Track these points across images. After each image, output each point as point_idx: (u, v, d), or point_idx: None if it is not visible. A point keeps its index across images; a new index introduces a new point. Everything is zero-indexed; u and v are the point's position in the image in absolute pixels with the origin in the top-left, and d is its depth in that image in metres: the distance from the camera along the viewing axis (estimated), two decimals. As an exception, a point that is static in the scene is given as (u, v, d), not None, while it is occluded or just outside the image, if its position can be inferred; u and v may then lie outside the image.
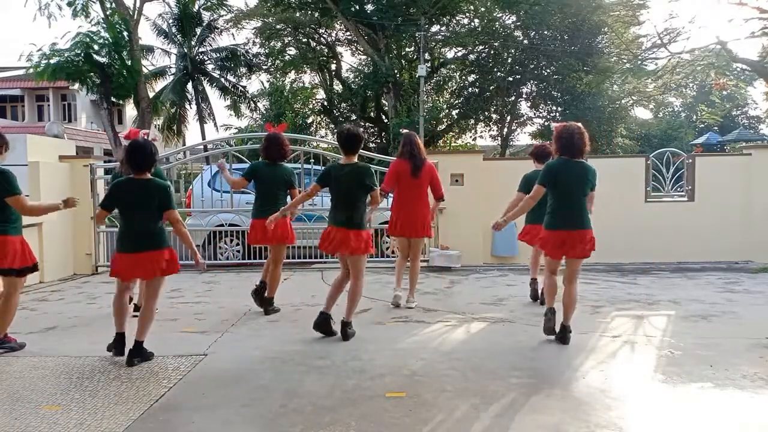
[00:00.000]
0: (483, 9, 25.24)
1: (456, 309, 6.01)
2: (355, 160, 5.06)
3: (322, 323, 4.96)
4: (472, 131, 29.71)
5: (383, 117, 27.89)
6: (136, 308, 5.45)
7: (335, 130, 27.31)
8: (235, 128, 31.78)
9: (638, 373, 4.11)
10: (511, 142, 29.63)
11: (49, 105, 32.47)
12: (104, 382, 3.98)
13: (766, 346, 4.57)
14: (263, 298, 5.96)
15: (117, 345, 4.49)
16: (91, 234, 8.64)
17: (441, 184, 6.37)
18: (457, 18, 26.82)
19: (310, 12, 26.96)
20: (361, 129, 5.38)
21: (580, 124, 4.79)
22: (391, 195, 6.28)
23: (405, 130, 6.54)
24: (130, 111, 30.27)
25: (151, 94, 24.97)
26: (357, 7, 24.85)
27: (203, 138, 28.20)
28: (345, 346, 4.72)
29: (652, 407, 3.52)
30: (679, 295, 6.55)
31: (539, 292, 6.12)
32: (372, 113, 28.58)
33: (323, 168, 5.55)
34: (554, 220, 4.74)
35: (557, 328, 4.80)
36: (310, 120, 29.36)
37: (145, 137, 4.75)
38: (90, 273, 8.59)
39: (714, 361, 4.24)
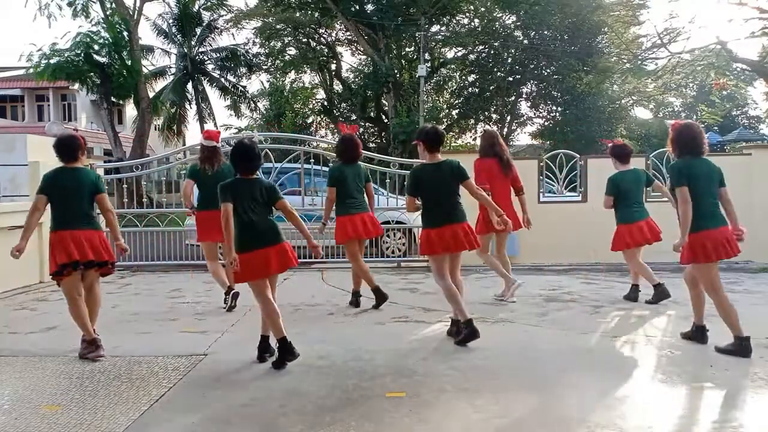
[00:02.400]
0: (483, 9, 25.28)
1: (456, 309, 6.00)
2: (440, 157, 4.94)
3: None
4: (472, 131, 29.75)
5: (383, 117, 27.90)
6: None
7: (334, 131, 27.37)
8: (235, 128, 31.82)
9: (638, 373, 4.11)
10: (511, 142, 29.63)
11: (49, 105, 32.47)
12: (104, 382, 3.98)
13: (766, 346, 4.57)
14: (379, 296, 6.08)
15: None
16: (91, 234, 8.61)
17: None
18: (457, 18, 26.85)
19: (310, 12, 26.98)
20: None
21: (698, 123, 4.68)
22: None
23: (488, 128, 6.61)
24: (130, 111, 30.29)
25: (151, 94, 24.98)
26: (357, 7, 24.87)
27: (203, 138, 28.13)
28: (345, 346, 4.72)
29: (652, 407, 3.52)
30: (679, 295, 6.53)
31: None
32: (372, 113, 28.59)
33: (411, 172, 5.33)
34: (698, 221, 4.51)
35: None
36: (310, 120, 29.39)
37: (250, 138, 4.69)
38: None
39: (714, 361, 4.24)
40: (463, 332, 4.73)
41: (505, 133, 28.33)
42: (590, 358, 4.41)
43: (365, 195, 6.17)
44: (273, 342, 4.34)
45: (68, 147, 4.77)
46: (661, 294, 6.15)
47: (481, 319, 5.61)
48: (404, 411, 3.47)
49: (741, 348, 4.34)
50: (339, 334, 5.04)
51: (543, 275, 8.06)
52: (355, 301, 6.19)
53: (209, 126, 31.01)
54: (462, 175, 4.85)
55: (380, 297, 6.06)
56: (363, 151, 6.66)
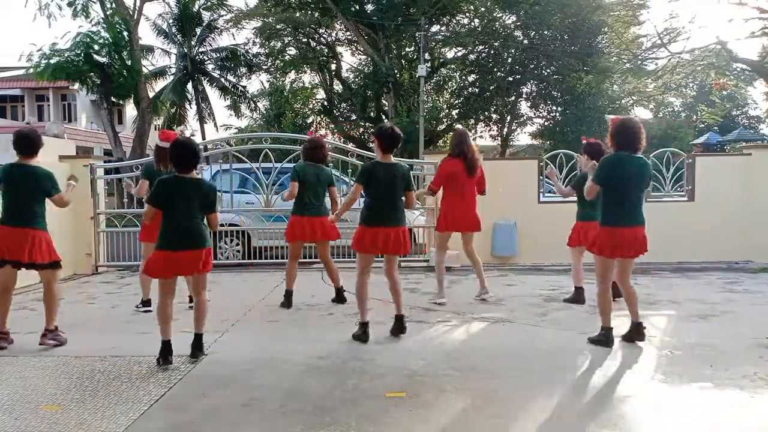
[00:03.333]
0: (483, 9, 25.27)
1: (456, 309, 6.00)
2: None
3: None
4: (472, 131, 29.70)
5: (383, 117, 27.89)
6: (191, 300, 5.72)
7: (334, 131, 27.35)
8: (235, 128, 31.84)
9: (638, 373, 4.11)
10: (511, 142, 29.66)
11: (49, 105, 32.45)
12: (104, 382, 3.98)
13: (766, 346, 4.57)
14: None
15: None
16: (92, 234, 8.63)
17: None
18: (457, 18, 26.85)
19: (310, 12, 26.99)
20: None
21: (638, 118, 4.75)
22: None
23: (459, 127, 6.60)
24: (130, 111, 30.29)
25: (151, 94, 24.97)
26: (357, 7, 24.87)
27: (203, 138, 28.18)
28: (345, 346, 4.72)
29: (652, 407, 3.52)
30: (679, 295, 6.54)
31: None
32: (372, 113, 28.59)
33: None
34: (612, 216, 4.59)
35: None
36: (310, 120, 29.39)
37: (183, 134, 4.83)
38: (90, 273, 8.58)
39: (714, 361, 4.24)
40: (357, 332, 4.86)
41: (505, 133, 28.36)
42: (590, 359, 4.40)
43: (328, 199, 6.14)
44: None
45: (30, 142, 4.83)
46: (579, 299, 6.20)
47: (481, 318, 5.62)
48: (404, 411, 3.47)
49: (607, 339, 4.63)
50: (339, 334, 5.04)
51: (543, 275, 8.06)
52: (287, 302, 6.11)
53: (209, 126, 31.07)
54: (409, 184, 4.95)
55: (287, 302, 6.08)
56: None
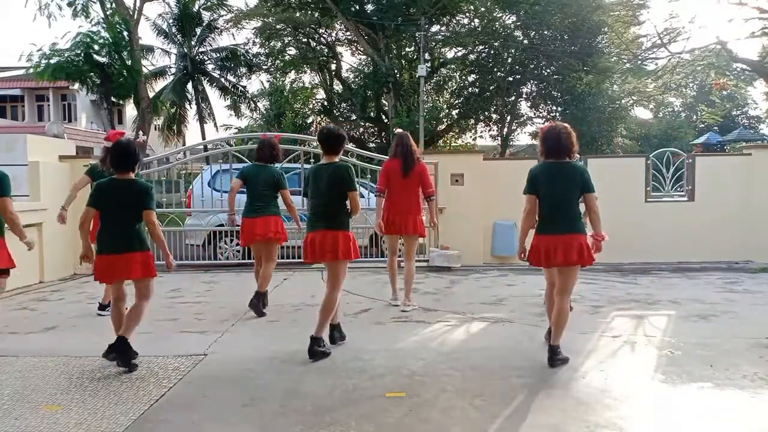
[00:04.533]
0: (483, 9, 25.24)
1: (456, 309, 6.01)
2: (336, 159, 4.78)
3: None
4: (472, 131, 29.72)
5: (383, 117, 27.88)
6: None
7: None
8: (235, 128, 31.80)
9: (638, 373, 4.11)
10: (511, 142, 29.62)
11: (49, 105, 32.45)
12: (104, 382, 3.98)
13: (766, 346, 4.57)
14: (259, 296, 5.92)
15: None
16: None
17: (431, 182, 6.36)
18: (457, 18, 26.82)
19: (310, 12, 26.96)
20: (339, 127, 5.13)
21: (566, 124, 4.48)
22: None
23: (399, 130, 6.55)
24: (130, 111, 30.30)
25: (151, 94, 24.98)
26: (357, 7, 24.86)
27: (203, 138, 28.18)
28: (345, 346, 4.72)
29: (652, 407, 3.52)
30: (679, 295, 6.54)
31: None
32: (372, 113, 28.57)
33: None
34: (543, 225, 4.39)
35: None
36: (310, 120, 29.37)
37: (128, 137, 4.75)
38: (90, 273, 8.55)
39: (714, 361, 4.24)
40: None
41: (505, 133, 28.34)
42: (590, 359, 4.40)
43: (278, 199, 5.98)
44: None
45: None
46: None
47: (481, 318, 5.62)
48: (404, 411, 3.47)
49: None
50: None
51: (543, 275, 8.05)
52: (256, 303, 5.86)
53: (209, 126, 31.05)
54: (349, 185, 4.54)
55: (260, 304, 5.85)
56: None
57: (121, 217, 4.23)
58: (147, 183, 4.69)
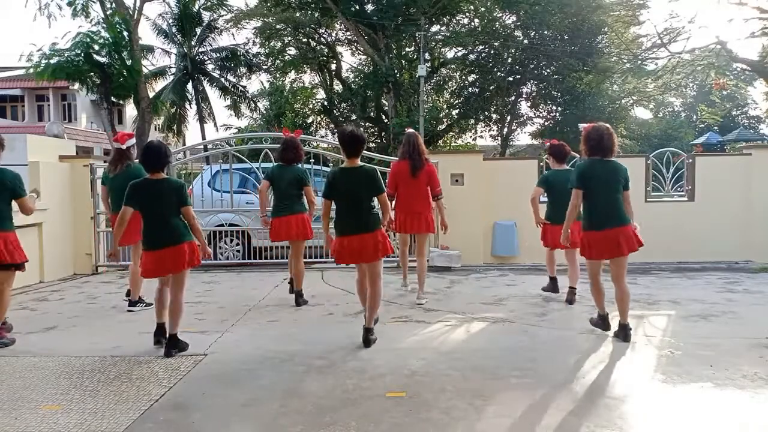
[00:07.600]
0: (483, 9, 25.24)
1: (456, 309, 6.01)
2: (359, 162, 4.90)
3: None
4: (472, 131, 29.69)
5: (383, 117, 27.88)
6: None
7: (335, 130, 27.35)
8: (235, 128, 31.77)
9: (638, 373, 4.11)
10: (511, 142, 29.61)
11: (49, 105, 32.44)
12: (104, 382, 3.98)
13: (766, 346, 4.57)
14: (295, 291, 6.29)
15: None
16: (91, 234, 8.63)
17: (439, 182, 6.52)
18: (457, 18, 26.82)
19: (310, 12, 26.95)
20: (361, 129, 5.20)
21: (608, 125, 4.91)
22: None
23: (409, 130, 6.60)
24: (130, 111, 30.24)
25: (151, 94, 24.95)
26: (357, 7, 24.85)
27: (203, 138, 28.20)
28: (345, 346, 4.72)
29: (652, 407, 3.52)
30: (679, 295, 6.54)
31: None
32: (372, 113, 28.56)
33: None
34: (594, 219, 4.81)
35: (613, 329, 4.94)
36: (310, 120, 29.37)
37: (159, 139, 5.01)
38: (90, 273, 8.59)
39: (714, 361, 4.24)
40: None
41: (505, 133, 28.34)
42: (590, 359, 4.41)
43: (303, 198, 6.20)
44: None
45: None
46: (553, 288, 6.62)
47: (481, 318, 5.62)
48: (404, 411, 3.47)
49: (603, 324, 4.99)
50: (339, 334, 5.04)
51: (543, 275, 8.04)
52: (298, 300, 6.24)
53: (209, 126, 31.06)
54: (377, 187, 4.73)
55: (299, 298, 6.23)
56: (302, 156, 6.65)
57: (161, 214, 4.46)
58: (179, 180, 4.98)
